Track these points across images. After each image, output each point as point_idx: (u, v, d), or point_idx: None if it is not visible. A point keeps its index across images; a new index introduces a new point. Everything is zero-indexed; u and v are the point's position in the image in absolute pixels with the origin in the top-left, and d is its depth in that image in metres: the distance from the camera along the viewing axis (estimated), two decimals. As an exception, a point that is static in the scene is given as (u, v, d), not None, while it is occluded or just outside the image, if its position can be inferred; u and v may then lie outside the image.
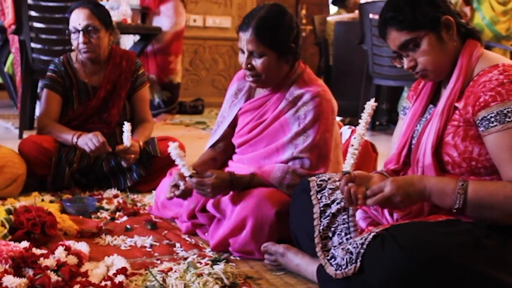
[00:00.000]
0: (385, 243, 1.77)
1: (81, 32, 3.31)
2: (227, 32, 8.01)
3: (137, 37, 6.23)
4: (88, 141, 3.18)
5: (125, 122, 3.16)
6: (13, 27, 5.63)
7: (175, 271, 2.13)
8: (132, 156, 3.25)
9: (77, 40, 3.34)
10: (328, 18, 7.20)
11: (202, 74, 7.99)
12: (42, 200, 2.95)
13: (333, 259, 1.95)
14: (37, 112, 5.64)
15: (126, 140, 3.16)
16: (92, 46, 3.34)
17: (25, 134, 4.94)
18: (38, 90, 5.59)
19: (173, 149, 2.40)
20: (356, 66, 6.28)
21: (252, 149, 2.64)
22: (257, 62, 2.48)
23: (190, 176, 2.43)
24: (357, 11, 6.39)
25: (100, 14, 3.36)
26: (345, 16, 7.16)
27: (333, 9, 8.36)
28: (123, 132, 3.16)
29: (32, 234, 2.39)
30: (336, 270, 1.90)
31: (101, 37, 3.36)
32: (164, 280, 2.04)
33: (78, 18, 3.32)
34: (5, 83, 6.79)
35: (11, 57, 6.69)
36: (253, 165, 2.59)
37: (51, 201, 2.98)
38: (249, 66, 2.49)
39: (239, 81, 2.76)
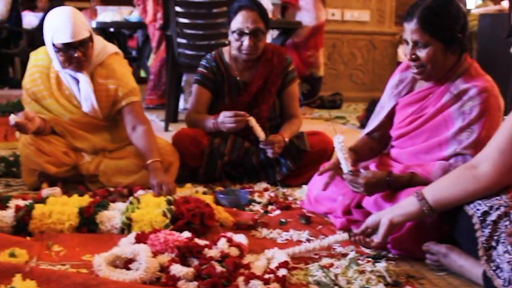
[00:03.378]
0: None
1: (247, 36, 3.33)
2: (366, 26, 7.92)
3: (274, 32, 6.27)
4: (225, 118, 3.25)
5: (248, 118, 3.21)
6: (154, 23, 5.84)
7: (337, 267, 2.12)
8: (276, 145, 3.26)
9: (240, 42, 3.35)
10: (473, 10, 6.97)
11: (340, 69, 7.94)
12: (196, 191, 3.02)
13: (499, 270, 1.87)
14: (181, 105, 5.82)
15: (260, 133, 3.21)
16: (255, 49, 3.36)
17: (170, 127, 5.12)
18: (183, 84, 5.75)
19: (338, 142, 2.42)
20: (502, 60, 6.02)
21: (411, 142, 2.59)
22: (422, 53, 2.43)
23: (348, 173, 2.44)
24: (504, 3, 6.14)
25: (265, 16, 3.38)
26: (491, 8, 6.90)
27: (470, 1, 8.10)
28: (252, 128, 3.21)
29: (192, 225, 2.45)
30: (503, 285, 1.82)
31: (263, 39, 3.39)
32: (336, 276, 2.03)
33: (246, 21, 3.32)
34: (148, 77, 7.02)
35: (154, 51, 6.92)
36: (413, 159, 2.54)
37: (204, 193, 3.04)
38: (413, 56, 2.45)
39: (401, 73, 2.71)
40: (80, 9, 10.33)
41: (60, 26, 3.01)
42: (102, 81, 3.17)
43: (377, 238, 2.21)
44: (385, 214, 2.20)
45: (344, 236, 2.32)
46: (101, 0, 10.66)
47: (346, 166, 2.47)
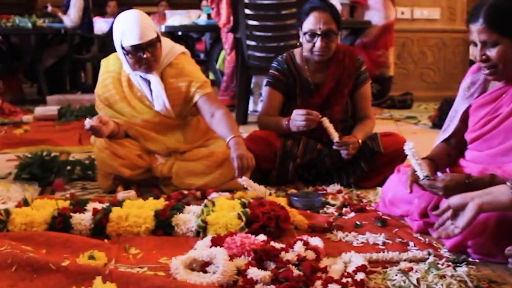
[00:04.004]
0: None
1: (319, 37, 3.31)
2: (436, 24, 7.77)
3: (343, 32, 6.23)
4: (296, 116, 3.23)
5: (322, 119, 3.20)
6: (228, 26, 5.87)
7: (416, 271, 2.08)
8: (350, 146, 3.22)
9: (311, 43, 3.33)
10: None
11: (410, 68, 7.81)
12: (270, 194, 3.01)
13: None
14: (250, 107, 5.83)
15: (333, 134, 3.19)
16: (328, 50, 3.33)
17: (240, 129, 5.12)
18: (252, 86, 5.76)
19: (409, 149, 2.39)
20: None
21: (487, 145, 2.51)
22: (492, 52, 2.36)
23: (424, 178, 2.40)
24: None
25: (337, 17, 3.34)
26: None
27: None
28: (325, 129, 3.20)
29: (267, 228, 2.44)
30: None
31: (335, 40, 3.36)
32: (418, 282, 1.98)
33: (318, 22, 3.28)
34: (217, 79, 7.07)
35: (222, 54, 6.98)
36: (490, 162, 2.47)
37: (277, 196, 3.03)
38: (484, 57, 2.39)
39: (473, 74, 2.64)
40: (149, 13, 10.60)
41: (128, 29, 3.07)
42: (173, 80, 3.23)
43: (461, 223, 2.12)
44: (473, 198, 2.09)
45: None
46: (169, 4, 10.81)
47: (421, 172, 2.42)
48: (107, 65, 3.32)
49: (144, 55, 3.08)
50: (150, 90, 3.23)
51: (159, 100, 3.20)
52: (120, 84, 3.26)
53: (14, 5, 11.81)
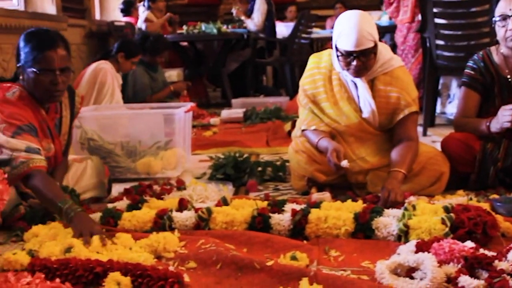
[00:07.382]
0: None
1: (511, 18, 3.07)
2: None
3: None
4: (503, 111, 3.03)
5: None
6: (411, 24, 5.75)
7: None
8: None
9: (504, 29, 3.13)
10: None
11: None
12: (471, 199, 2.87)
13: None
14: (438, 109, 5.64)
15: None
16: None
17: (428, 132, 4.98)
18: (439, 87, 5.56)
19: None
20: None
21: None
22: None
23: None
24: None
25: None
26: None
27: None
28: None
29: (473, 234, 2.32)
30: None
31: None
32: None
33: (508, 4, 3.08)
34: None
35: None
36: None
37: (477, 201, 2.88)
38: None
39: None
40: (326, 16, 10.62)
41: (345, 32, 3.00)
42: (385, 88, 3.13)
43: None
44: None
45: None
46: (345, 6, 10.78)
47: None
48: (319, 61, 3.29)
49: (354, 61, 3.01)
50: (358, 94, 3.17)
51: (367, 106, 3.13)
52: (330, 82, 3.22)
53: (198, 13, 12.37)
